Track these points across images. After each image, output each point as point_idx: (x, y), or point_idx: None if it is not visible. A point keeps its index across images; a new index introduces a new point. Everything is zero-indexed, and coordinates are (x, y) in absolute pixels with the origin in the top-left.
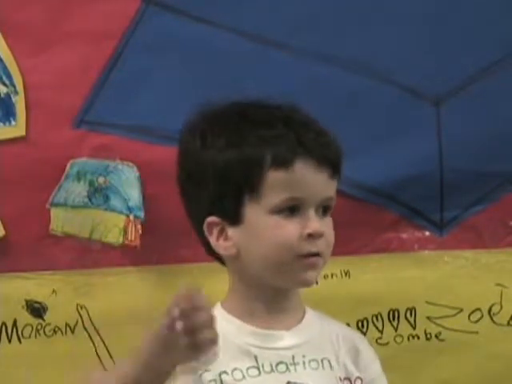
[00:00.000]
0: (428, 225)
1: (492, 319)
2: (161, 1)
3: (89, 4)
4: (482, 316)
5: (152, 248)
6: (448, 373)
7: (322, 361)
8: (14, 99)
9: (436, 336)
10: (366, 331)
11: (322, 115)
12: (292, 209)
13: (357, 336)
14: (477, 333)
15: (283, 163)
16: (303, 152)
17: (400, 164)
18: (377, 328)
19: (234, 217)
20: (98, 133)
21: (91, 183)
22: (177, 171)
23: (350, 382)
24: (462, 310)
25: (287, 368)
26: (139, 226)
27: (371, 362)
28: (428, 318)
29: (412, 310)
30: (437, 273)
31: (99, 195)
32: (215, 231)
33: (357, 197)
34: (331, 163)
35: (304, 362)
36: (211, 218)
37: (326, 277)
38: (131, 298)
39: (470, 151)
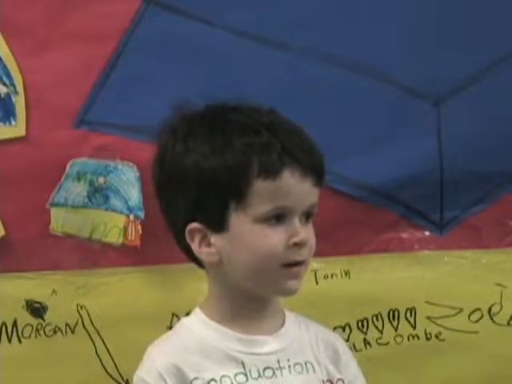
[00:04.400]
0: (428, 225)
1: (492, 319)
2: (161, 1)
3: (89, 4)
4: (482, 316)
5: (152, 248)
6: (448, 373)
7: (305, 364)
8: (14, 99)
9: (436, 336)
10: (366, 331)
11: (321, 115)
12: (278, 217)
13: (335, 337)
14: (477, 333)
15: (271, 173)
16: (290, 161)
17: (400, 164)
18: (377, 328)
19: (218, 224)
20: (98, 133)
21: (91, 183)
22: (154, 174)
23: (332, 383)
24: (461, 310)
25: (274, 373)
26: (139, 226)
27: (350, 363)
28: (428, 317)
29: (412, 310)
30: (437, 273)
31: (99, 195)
32: (197, 238)
33: (357, 197)
34: (316, 170)
35: (289, 366)
36: (193, 225)
37: (326, 277)
38: (131, 298)
39: (470, 151)
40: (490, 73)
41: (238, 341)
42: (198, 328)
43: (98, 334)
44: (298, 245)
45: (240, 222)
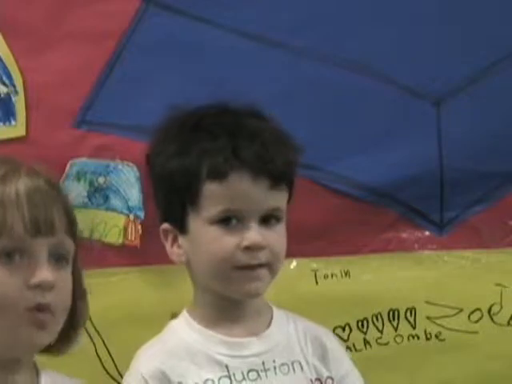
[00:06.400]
0: (428, 225)
1: (492, 319)
2: (161, 1)
3: (89, 4)
4: (482, 316)
5: (152, 248)
6: (448, 373)
7: (292, 364)
8: (14, 99)
9: (436, 336)
10: (366, 331)
11: (321, 115)
12: (230, 220)
13: (324, 333)
14: (477, 333)
15: (217, 175)
16: (238, 164)
17: (400, 164)
18: (377, 328)
19: (181, 226)
20: (98, 133)
21: (91, 183)
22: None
23: (321, 382)
24: (461, 310)
25: (258, 375)
26: (139, 226)
27: (341, 359)
28: (428, 317)
29: (412, 310)
30: (437, 273)
31: (99, 195)
32: (170, 238)
33: (357, 197)
34: (270, 175)
35: (275, 367)
36: (165, 225)
37: (326, 277)
38: (131, 298)
39: (469, 151)
40: (490, 73)
41: (222, 344)
42: (184, 331)
43: (98, 334)
44: (250, 248)
45: (196, 224)
